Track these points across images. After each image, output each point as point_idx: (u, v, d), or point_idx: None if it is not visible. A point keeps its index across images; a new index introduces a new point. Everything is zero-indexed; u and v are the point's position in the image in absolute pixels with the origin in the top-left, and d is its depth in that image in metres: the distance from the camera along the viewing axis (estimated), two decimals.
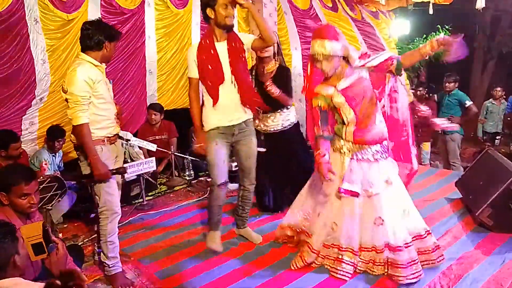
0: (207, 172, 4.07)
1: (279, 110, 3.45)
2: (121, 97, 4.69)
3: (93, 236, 3.11)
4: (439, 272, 2.56)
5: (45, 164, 3.74)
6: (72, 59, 2.55)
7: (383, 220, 2.47)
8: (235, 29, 5.12)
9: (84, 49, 2.45)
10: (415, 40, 8.80)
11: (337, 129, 2.56)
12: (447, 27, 9.14)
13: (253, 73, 3.41)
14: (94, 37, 2.40)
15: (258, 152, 3.00)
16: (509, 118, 6.07)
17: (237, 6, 2.58)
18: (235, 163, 3.45)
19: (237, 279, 2.61)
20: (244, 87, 2.71)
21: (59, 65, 4.24)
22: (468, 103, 5.03)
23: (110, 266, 2.59)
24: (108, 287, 2.60)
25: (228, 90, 2.67)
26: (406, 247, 2.46)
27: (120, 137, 2.77)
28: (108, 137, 2.52)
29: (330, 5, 6.67)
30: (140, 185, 4.00)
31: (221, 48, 2.63)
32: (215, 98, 2.66)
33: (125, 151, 3.96)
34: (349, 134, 2.47)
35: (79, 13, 4.25)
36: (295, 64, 6.17)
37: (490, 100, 6.30)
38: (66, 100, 2.39)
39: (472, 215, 3.28)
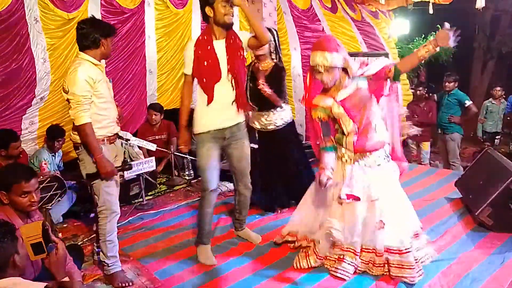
0: None
1: (272, 109, 3.45)
2: (121, 96, 4.69)
3: (92, 236, 3.11)
4: (439, 272, 2.56)
5: (45, 163, 3.73)
6: (72, 59, 2.54)
7: (384, 224, 2.48)
8: (237, 27, 5.17)
9: (82, 49, 2.44)
10: (415, 40, 8.80)
11: (338, 138, 2.56)
12: None
13: (250, 70, 3.40)
14: (90, 36, 2.40)
15: (251, 148, 2.96)
16: (508, 118, 6.06)
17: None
18: None
19: (237, 279, 2.61)
20: (240, 86, 2.68)
21: (59, 64, 4.24)
22: (468, 102, 5.04)
23: (110, 265, 2.59)
24: (107, 286, 2.60)
25: (224, 89, 2.63)
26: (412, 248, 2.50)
27: (120, 137, 2.77)
28: (108, 136, 2.52)
29: (330, 6, 6.67)
30: (140, 185, 4.00)
31: (219, 46, 2.60)
32: (210, 96, 2.62)
33: (124, 151, 3.96)
34: (349, 144, 2.48)
35: (79, 12, 4.25)
36: (294, 64, 6.17)
37: (490, 99, 6.30)
38: (68, 100, 2.39)
39: (472, 214, 3.28)
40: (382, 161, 2.51)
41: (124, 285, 2.57)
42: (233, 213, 3.17)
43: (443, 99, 5.20)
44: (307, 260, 2.68)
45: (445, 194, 3.93)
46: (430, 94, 5.52)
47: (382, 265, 2.52)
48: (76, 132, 2.47)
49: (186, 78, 2.73)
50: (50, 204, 3.35)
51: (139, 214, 3.75)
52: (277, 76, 3.40)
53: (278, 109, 3.48)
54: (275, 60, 3.49)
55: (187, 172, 4.72)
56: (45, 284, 1.60)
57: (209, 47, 2.57)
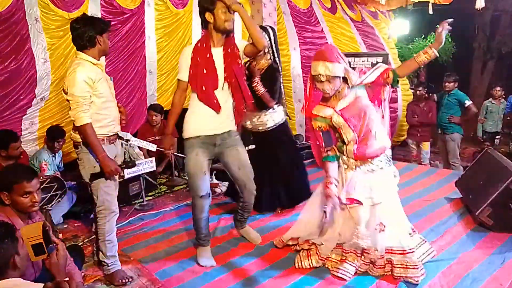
0: None
1: (264, 110, 3.45)
2: (121, 97, 4.69)
3: (93, 237, 3.11)
4: (439, 272, 2.56)
5: (45, 164, 3.74)
6: (72, 59, 2.53)
7: (384, 226, 2.49)
8: (239, 35, 5.18)
9: (79, 49, 2.43)
10: (415, 40, 8.80)
11: (339, 146, 2.57)
12: None
13: (246, 69, 3.39)
14: (85, 35, 2.38)
15: (248, 150, 2.92)
16: (508, 118, 6.05)
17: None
18: None
19: (237, 279, 2.61)
20: (239, 94, 2.64)
21: (60, 64, 4.25)
22: (468, 102, 5.03)
23: (109, 265, 2.60)
24: (108, 287, 2.60)
25: (219, 97, 2.59)
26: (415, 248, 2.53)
27: (120, 138, 2.77)
28: (108, 136, 2.52)
29: (329, 6, 6.67)
30: (140, 185, 4.00)
31: (217, 53, 2.56)
32: (216, 104, 2.57)
33: (125, 152, 3.96)
34: (350, 152, 2.48)
35: (80, 12, 4.25)
36: (294, 65, 6.17)
37: (490, 99, 6.29)
38: (68, 101, 2.39)
39: (472, 214, 3.28)
40: (384, 165, 2.52)
41: (124, 281, 2.58)
42: (234, 213, 3.15)
43: (443, 99, 5.20)
44: (308, 260, 2.69)
45: (445, 194, 3.94)
46: (430, 94, 5.52)
47: (383, 266, 2.54)
48: (76, 131, 2.47)
49: (180, 85, 2.66)
50: (50, 205, 3.36)
51: (139, 214, 3.75)
52: (271, 76, 3.40)
53: (270, 110, 3.47)
54: (270, 60, 3.47)
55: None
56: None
57: (208, 55, 2.54)
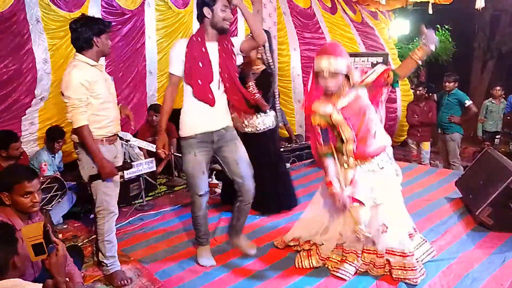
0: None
1: (256, 113, 3.43)
2: (122, 97, 4.70)
3: (92, 237, 3.11)
4: (439, 271, 2.56)
5: (45, 165, 3.74)
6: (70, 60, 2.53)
7: (387, 227, 2.49)
8: (242, 32, 5.17)
9: (77, 50, 2.42)
10: (415, 40, 8.80)
11: (338, 147, 2.56)
12: (446, 27, 9.15)
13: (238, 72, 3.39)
14: (82, 36, 2.36)
15: None
16: (508, 117, 6.05)
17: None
18: None
19: (237, 279, 2.61)
20: (232, 89, 2.61)
21: (60, 64, 4.25)
22: (468, 102, 5.03)
23: (108, 265, 2.60)
24: (107, 287, 2.60)
25: (214, 91, 2.55)
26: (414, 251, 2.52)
27: (120, 138, 2.77)
28: (107, 136, 2.51)
29: (330, 5, 6.67)
30: (140, 186, 4.00)
31: (212, 48, 2.53)
32: (210, 98, 2.53)
33: (124, 152, 3.96)
34: (350, 152, 2.47)
35: (80, 12, 4.25)
36: (294, 65, 6.18)
37: (490, 99, 6.29)
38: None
39: (472, 214, 3.28)
40: (385, 164, 2.51)
41: (123, 282, 2.58)
42: (230, 220, 2.94)
43: (443, 99, 5.20)
44: (309, 260, 2.69)
45: (445, 194, 3.93)
46: (430, 94, 5.51)
47: (382, 266, 2.53)
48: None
49: (171, 79, 2.61)
50: (50, 205, 3.36)
51: (139, 215, 3.75)
52: (266, 81, 3.39)
53: (262, 113, 3.46)
54: (269, 62, 3.45)
55: None
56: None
57: (203, 49, 2.51)
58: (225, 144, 2.67)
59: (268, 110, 3.49)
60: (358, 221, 2.50)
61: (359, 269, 2.58)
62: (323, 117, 2.48)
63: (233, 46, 2.60)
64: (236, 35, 5.13)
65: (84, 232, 3.41)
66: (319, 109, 2.49)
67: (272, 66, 3.54)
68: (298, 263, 2.71)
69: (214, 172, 4.31)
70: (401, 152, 6.27)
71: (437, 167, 5.44)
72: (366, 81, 2.44)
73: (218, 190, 4.20)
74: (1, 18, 3.86)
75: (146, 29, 4.88)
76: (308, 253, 2.73)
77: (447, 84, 5.13)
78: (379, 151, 2.50)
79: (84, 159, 2.49)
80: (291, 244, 2.93)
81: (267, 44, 3.44)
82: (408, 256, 2.47)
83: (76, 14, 4.22)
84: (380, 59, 5.76)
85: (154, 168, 3.95)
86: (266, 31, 3.89)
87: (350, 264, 2.56)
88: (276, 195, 3.61)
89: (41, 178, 3.17)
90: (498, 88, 6.21)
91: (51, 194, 3.37)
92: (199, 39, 2.52)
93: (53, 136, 3.85)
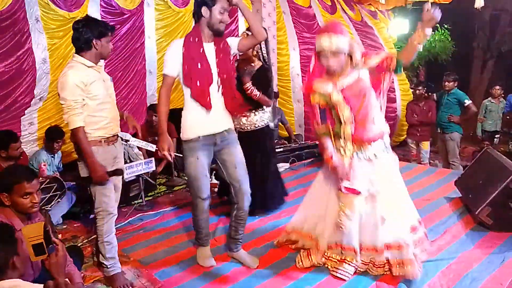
0: None
1: (254, 110, 3.42)
2: (121, 97, 4.70)
3: (92, 237, 3.11)
4: (439, 271, 2.56)
5: (44, 165, 3.73)
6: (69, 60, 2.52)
7: (385, 219, 2.48)
8: (242, 27, 5.16)
9: (77, 50, 2.41)
10: None
11: (337, 130, 2.54)
12: (446, 26, 9.16)
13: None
14: (82, 37, 2.35)
15: None
16: (508, 117, 6.07)
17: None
18: None
19: (237, 279, 2.61)
20: (229, 91, 2.58)
21: (59, 64, 4.25)
22: (467, 102, 5.04)
23: (109, 266, 2.58)
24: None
25: (214, 93, 2.52)
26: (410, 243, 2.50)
27: (120, 138, 2.76)
28: (106, 137, 2.48)
29: (330, 4, 6.67)
30: (140, 186, 4.00)
31: (209, 48, 2.50)
32: (208, 102, 2.48)
33: (124, 152, 3.96)
34: (347, 135, 2.45)
35: (80, 12, 4.26)
36: (293, 65, 6.18)
37: (489, 98, 6.30)
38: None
39: (472, 214, 3.28)
40: (380, 152, 2.49)
41: (124, 287, 2.57)
42: (228, 232, 2.88)
43: (443, 98, 5.20)
44: (309, 259, 2.68)
45: (444, 193, 3.94)
46: (430, 94, 5.52)
47: (382, 265, 2.53)
48: None
49: (167, 80, 2.52)
50: (50, 206, 3.36)
51: (139, 215, 3.75)
52: (264, 78, 3.38)
53: (259, 110, 3.44)
54: (265, 59, 3.45)
55: None
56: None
57: (201, 49, 2.47)
58: (225, 147, 2.64)
59: (264, 107, 3.48)
60: (350, 208, 2.46)
61: (359, 269, 2.57)
62: (323, 96, 2.45)
63: (229, 47, 2.57)
64: (237, 35, 5.13)
65: (84, 233, 3.41)
66: (320, 88, 2.46)
67: (267, 61, 3.54)
68: (298, 262, 2.71)
69: (214, 172, 4.31)
70: (401, 151, 6.26)
71: (436, 167, 5.44)
72: (369, 63, 2.42)
73: None
74: (0, 17, 3.85)
75: (146, 28, 4.88)
76: (308, 252, 2.73)
77: (446, 83, 5.13)
78: (377, 137, 2.48)
79: (83, 160, 2.47)
80: (293, 237, 2.90)
81: (260, 43, 3.44)
82: (403, 247, 2.44)
83: (76, 13, 4.23)
84: None
85: (154, 168, 3.95)
86: (264, 28, 3.90)
87: (350, 264, 2.55)
88: (264, 194, 3.55)
89: (41, 178, 3.18)
90: (497, 87, 6.22)
91: (50, 194, 3.37)
92: (196, 40, 2.48)
93: (53, 136, 3.85)
